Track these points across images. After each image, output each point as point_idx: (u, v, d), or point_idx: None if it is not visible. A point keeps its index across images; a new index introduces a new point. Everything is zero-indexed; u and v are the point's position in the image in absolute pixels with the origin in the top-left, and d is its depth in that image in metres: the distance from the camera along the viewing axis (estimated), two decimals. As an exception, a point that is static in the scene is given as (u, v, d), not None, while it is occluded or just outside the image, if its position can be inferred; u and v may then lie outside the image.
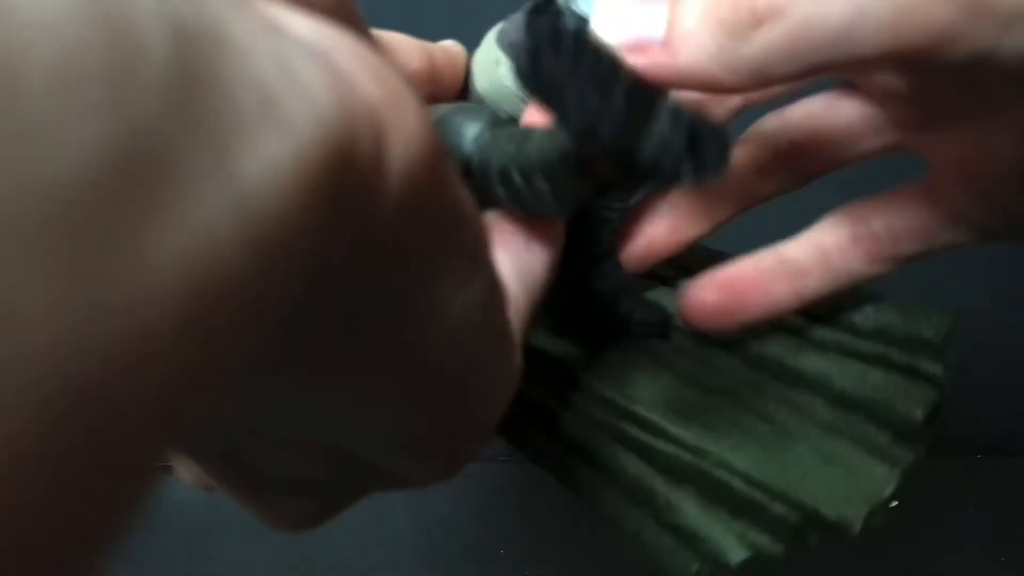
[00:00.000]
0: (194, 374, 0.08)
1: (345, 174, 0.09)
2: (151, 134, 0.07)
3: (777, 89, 0.22)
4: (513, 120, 0.21)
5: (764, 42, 0.16)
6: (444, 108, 0.20)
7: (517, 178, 0.17)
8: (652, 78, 0.16)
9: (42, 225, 0.06)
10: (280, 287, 0.09)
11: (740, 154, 0.23)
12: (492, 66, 0.22)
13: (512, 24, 0.21)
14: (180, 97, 0.07)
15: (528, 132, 0.18)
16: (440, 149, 0.11)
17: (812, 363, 0.24)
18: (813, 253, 0.23)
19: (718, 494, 0.22)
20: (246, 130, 0.08)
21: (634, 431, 0.23)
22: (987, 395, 0.50)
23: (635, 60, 0.17)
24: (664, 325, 0.24)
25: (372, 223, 0.10)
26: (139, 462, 0.08)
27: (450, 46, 0.23)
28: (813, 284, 0.23)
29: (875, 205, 0.22)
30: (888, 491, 0.23)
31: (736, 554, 0.21)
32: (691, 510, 0.22)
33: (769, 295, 0.23)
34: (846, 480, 0.23)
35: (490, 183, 0.18)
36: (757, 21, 0.16)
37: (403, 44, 0.20)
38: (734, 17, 0.17)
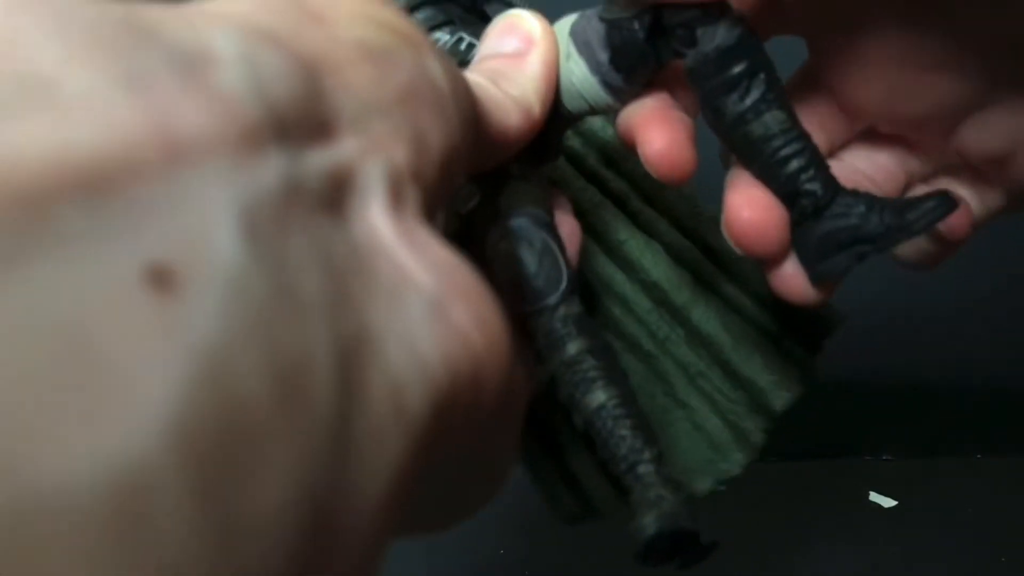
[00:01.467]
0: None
1: (450, 412, 0.12)
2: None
3: None
4: (573, 117, 0.21)
5: None
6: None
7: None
8: None
9: None
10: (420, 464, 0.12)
11: None
12: (561, 60, 0.21)
13: (588, 23, 0.20)
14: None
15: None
16: (515, 371, 0.14)
17: (712, 325, 0.23)
18: None
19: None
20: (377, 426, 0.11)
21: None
22: (987, 395, 0.50)
23: None
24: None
25: (471, 429, 0.13)
26: None
27: (545, 64, 0.21)
28: None
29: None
30: (733, 474, 0.23)
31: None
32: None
33: None
34: (707, 455, 0.23)
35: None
36: None
37: (503, 104, 0.18)
38: None
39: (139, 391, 0.08)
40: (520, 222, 0.20)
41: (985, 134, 0.21)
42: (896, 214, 0.18)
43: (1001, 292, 0.49)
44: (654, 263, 0.23)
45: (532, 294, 0.20)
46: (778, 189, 0.19)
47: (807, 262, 0.19)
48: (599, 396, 0.19)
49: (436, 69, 0.14)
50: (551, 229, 0.20)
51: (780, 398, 0.22)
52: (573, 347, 0.19)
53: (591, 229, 0.24)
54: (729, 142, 0.20)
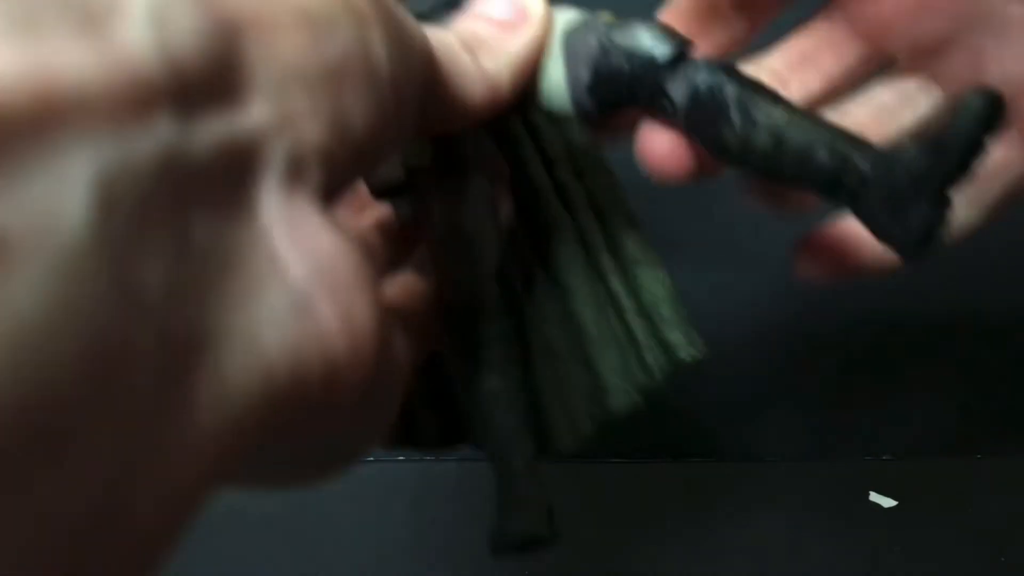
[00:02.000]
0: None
1: (290, 407, 0.12)
2: None
3: None
4: (540, 107, 0.20)
5: None
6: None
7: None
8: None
9: None
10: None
11: None
12: (544, 56, 0.20)
13: (586, 34, 0.20)
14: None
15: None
16: (381, 361, 0.13)
17: (588, 315, 0.22)
18: None
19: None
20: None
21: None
22: (987, 395, 0.50)
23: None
24: None
25: (320, 419, 0.13)
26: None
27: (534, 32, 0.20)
28: None
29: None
30: (588, 429, 0.22)
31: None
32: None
33: None
34: (586, 398, 0.23)
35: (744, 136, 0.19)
36: None
37: (469, 75, 0.17)
38: None
39: None
40: (471, 191, 0.20)
41: (1011, 59, 0.20)
42: (940, 146, 0.16)
43: (1001, 292, 0.49)
44: (560, 240, 0.23)
45: (463, 265, 0.20)
46: (819, 185, 0.18)
47: (892, 238, 0.17)
48: (494, 381, 0.19)
49: (379, 47, 0.13)
50: (494, 210, 0.20)
51: (620, 401, 0.22)
52: (484, 325, 0.20)
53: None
54: (752, 168, 0.19)
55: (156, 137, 0.10)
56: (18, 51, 0.08)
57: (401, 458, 0.48)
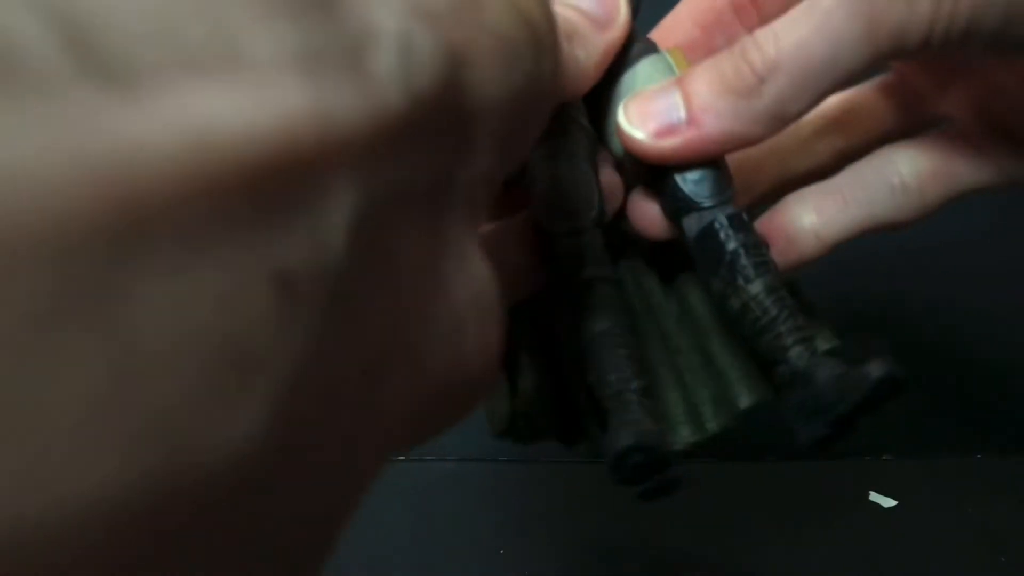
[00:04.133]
0: None
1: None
2: None
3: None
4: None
5: (774, 93, 0.19)
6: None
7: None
8: (688, 152, 0.19)
9: None
10: None
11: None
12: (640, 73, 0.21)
13: None
14: None
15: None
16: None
17: (703, 310, 0.23)
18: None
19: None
20: None
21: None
22: (987, 395, 0.50)
23: (669, 142, 0.19)
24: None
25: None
26: None
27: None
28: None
29: (905, 149, 0.23)
30: (673, 447, 0.23)
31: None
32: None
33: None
34: (710, 394, 0.23)
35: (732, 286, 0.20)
36: (760, 79, 0.19)
37: (567, 60, 0.18)
38: (741, 82, 0.19)
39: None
40: (571, 147, 0.20)
41: None
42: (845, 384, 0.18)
43: (1001, 292, 0.49)
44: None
45: (565, 213, 0.20)
46: (760, 357, 0.20)
47: (794, 431, 0.19)
48: (605, 321, 0.19)
49: (549, 66, 0.13)
50: (594, 164, 0.21)
51: (746, 397, 0.22)
52: (591, 272, 0.20)
53: None
54: (723, 315, 0.21)
55: (397, 170, 0.09)
56: (303, 89, 0.08)
57: (401, 458, 0.48)
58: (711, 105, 0.19)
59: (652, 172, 0.21)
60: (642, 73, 0.21)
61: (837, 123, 0.25)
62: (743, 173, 0.24)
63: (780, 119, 0.19)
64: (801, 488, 0.46)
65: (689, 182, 0.20)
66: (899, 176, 0.23)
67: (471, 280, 0.12)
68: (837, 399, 0.18)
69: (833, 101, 0.25)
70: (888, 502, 0.45)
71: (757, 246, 0.20)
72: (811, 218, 0.23)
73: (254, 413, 0.08)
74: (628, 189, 0.22)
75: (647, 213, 0.21)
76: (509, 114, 0.12)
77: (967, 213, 0.45)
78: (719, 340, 0.22)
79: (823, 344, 0.20)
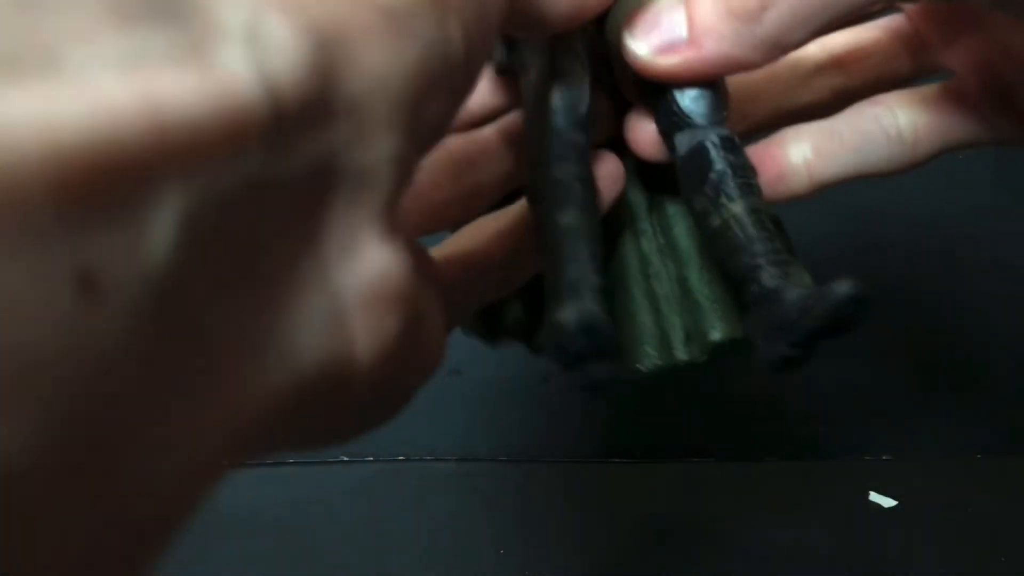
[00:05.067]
0: None
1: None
2: None
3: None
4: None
5: (775, 20, 0.19)
6: None
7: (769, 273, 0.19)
8: (686, 72, 0.19)
9: None
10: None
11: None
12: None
13: None
14: None
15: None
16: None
17: (687, 243, 0.23)
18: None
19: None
20: None
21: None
22: (987, 395, 0.50)
23: (669, 60, 0.19)
24: None
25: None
26: None
27: None
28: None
29: (901, 99, 0.23)
30: (637, 366, 0.22)
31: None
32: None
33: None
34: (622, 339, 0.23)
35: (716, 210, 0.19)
36: (762, 6, 0.19)
37: None
38: (743, 7, 0.19)
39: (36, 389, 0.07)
40: (569, 42, 0.20)
41: None
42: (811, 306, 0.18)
43: (1001, 292, 0.49)
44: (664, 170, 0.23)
45: (552, 116, 0.20)
46: (729, 277, 0.20)
47: (757, 352, 0.19)
48: (572, 215, 0.19)
49: (457, 30, 0.12)
50: (584, 57, 0.21)
51: (718, 329, 0.22)
52: (566, 168, 0.20)
53: None
54: (702, 234, 0.21)
55: (247, 166, 0.09)
56: (128, 82, 0.08)
57: (401, 458, 0.48)
58: (713, 27, 0.19)
59: (651, 85, 0.20)
60: None
61: (840, 61, 0.25)
62: (742, 99, 0.24)
63: (779, 47, 0.19)
64: (801, 488, 0.46)
65: (686, 98, 0.20)
66: (896, 127, 0.23)
67: (364, 268, 0.11)
68: (801, 316, 0.17)
69: (839, 38, 0.25)
70: (888, 502, 0.45)
71: (745, 169, 0.20)
72: (805, 154, 0.23)
73: (28, 424, 0.07)
74: (625, 108, 0.22)
75: (643, 132, 0.21)
76: (413, 89, 0.12)
77: (973, 212, 0.45)
78: (698, 274, 0.22)
79: (798, 278, 0.19)
